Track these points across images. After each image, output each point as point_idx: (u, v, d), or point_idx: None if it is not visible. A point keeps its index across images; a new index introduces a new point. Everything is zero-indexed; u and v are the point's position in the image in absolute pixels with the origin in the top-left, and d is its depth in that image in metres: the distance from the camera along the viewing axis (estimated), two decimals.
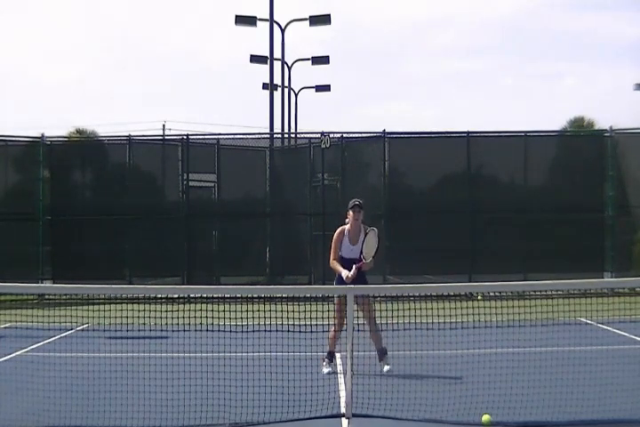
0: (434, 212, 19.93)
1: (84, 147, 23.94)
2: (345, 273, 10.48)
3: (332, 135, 20.24)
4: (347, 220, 10.81)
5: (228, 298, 14.21)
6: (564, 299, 11.22)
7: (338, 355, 10.58)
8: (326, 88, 41.49)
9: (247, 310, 10.33)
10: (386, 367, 10.46)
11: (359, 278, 10.44)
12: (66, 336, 12.66)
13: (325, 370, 10.36)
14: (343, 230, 10.77)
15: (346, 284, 10.29)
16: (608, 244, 20.03)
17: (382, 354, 10.54)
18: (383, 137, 20.37)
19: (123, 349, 10.74)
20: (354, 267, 10.42)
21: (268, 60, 29.36)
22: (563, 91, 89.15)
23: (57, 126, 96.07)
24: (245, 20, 29.72)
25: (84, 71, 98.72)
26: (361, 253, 10.50)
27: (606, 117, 80.00)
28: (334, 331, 10.31)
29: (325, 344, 9.11)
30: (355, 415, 8.24)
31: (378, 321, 10.47)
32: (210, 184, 20.91)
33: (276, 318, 9.71)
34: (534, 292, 15.04)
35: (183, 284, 19.44)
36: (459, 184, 20.42)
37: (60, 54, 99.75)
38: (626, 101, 66.88)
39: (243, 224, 20.95)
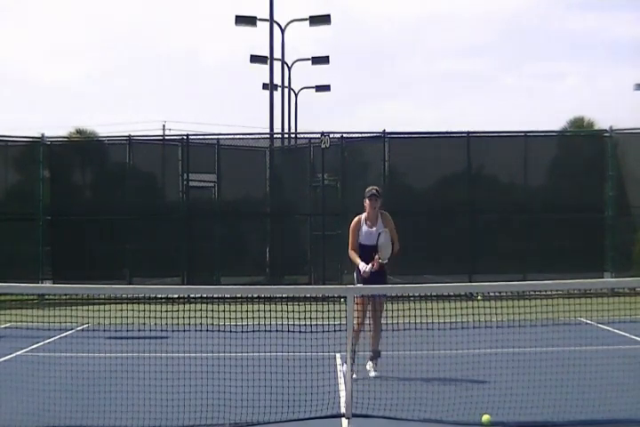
0: (434, 212, 19.94)
1: (84, 147, 23.90)
2: (363, 266, 10.23)
3: (331, 135, 20.23)
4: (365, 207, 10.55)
5: (227, 298, 14.21)
6: (564, 299, 11.24)
7: (338, 355, 10.57)
8: (326, 88, 41.54)
9: (247, 310, 10.31)
10: (372, 373, 10.28)
11: (379, 278, 10.14)
12: (66, 336, 12.66)
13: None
14: (360, 218, 10.56)
15: (364, 277, 10.10)
16: (608, 244, 20.02)
17: (376, 356, 10.41)
18: (383, 137, 20.36)
19: (123, 349, 10.75)
20: (371, 264, 10.16)
21: (268, 60, 29.39)
22: (563, 91, 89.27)
23: (57, 126, 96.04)
24: (245, 20, 29.72)
25: (84, 71, 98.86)
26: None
27: (606, 117, 79.93)
28: (355, 331, 9.68)
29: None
30: (355, 415, 8.23)
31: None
32: (210, 184, 20.90)
33: (276, 318, 9.71)
34: (534, 292, 15.04)
35: (183, 284, 19.46)
36: (459, 184, 20.42)
37: (60, 54, 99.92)
38: (626, 101, 66.94)
39: (243, 224, 20.97)
